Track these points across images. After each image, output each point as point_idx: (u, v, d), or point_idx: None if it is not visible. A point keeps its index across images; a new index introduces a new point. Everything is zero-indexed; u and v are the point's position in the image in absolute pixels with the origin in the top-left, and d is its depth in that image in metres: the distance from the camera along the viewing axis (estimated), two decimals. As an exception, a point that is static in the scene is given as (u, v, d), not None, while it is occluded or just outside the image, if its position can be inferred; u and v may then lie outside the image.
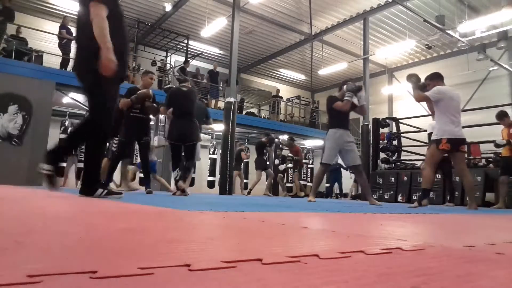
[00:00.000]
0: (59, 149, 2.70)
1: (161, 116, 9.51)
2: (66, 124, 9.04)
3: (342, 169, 11.21)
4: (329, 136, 4.83)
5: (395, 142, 9.60)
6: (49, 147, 2.74)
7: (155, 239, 0.81)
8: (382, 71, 14.90)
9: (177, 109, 4.91)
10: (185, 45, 13.19)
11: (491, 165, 7.65)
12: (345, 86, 4.77)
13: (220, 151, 9.59)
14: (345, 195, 12.37)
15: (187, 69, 12.79)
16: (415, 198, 7.61)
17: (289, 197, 9.57)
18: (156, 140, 8.20)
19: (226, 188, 8.64)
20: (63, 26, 9.35)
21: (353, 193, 11.26)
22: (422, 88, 4.25)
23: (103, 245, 0.71)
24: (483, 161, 8.02)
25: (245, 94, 14.72)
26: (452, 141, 4.02)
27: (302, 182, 13.96)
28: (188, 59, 13.01)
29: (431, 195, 6.62)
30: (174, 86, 5.18)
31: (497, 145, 6.07)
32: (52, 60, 9.24)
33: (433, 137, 4.21)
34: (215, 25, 10.90)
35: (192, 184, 10.38)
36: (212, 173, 11.94)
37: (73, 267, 0.46)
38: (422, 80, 4.40)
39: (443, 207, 5.73)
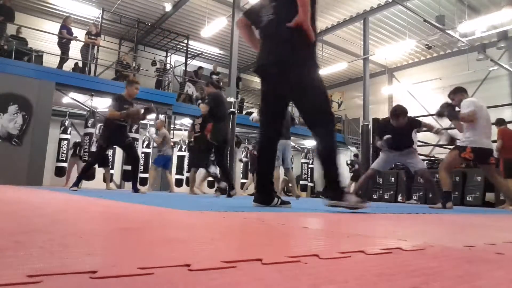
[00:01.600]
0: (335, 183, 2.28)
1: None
2: (66, 124, 9.03)
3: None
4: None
5: (395, 142, 9.58)
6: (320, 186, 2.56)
7: (155, 239, 0.80)
8: (382, 71, 14.89)
9: (224, 112, 5.30)
10: (185, 45, 13.17)
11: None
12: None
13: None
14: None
15: (188, 69, 12.84)
16: (415, 198, 7.62)
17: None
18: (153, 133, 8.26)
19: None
20: (63, 26, 9.34)
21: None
22: (456, 115, 4.08)
23: (103, 245, 0.71)
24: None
25: (245, 94, 14.69)
26: (477, 151, 3.95)
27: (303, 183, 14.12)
28: (189, 59, 13.03)
29: (430, 195, 6.66)
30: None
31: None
32: (52, 60, 9.23)
33: (459, 143, 4.13)
34: (215, 25, 10.89)
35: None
36: (212, 173, 11.94)
37: (73, 267, 0.46)
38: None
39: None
